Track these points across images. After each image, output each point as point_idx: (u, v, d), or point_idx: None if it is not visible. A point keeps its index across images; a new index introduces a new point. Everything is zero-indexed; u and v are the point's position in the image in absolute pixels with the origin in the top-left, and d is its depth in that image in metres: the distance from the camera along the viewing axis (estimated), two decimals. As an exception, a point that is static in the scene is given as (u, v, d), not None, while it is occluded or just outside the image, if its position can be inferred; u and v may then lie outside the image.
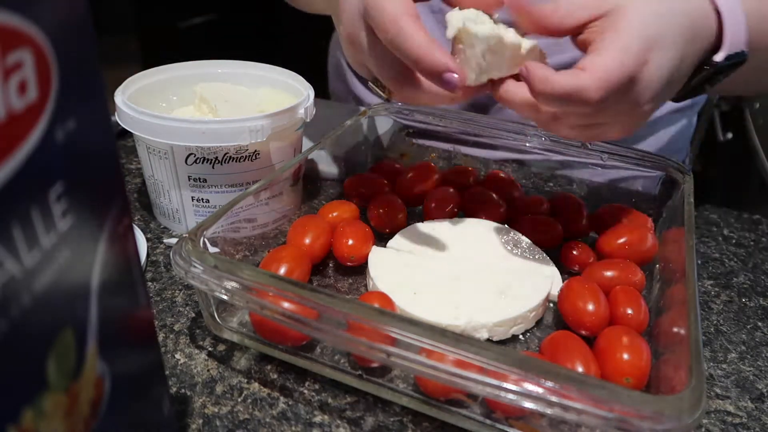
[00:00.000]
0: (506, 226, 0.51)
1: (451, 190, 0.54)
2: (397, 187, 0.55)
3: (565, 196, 0.54)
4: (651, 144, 0.69)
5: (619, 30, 0.37)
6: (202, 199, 0.50)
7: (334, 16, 0.48)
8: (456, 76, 0.36)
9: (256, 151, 0.49)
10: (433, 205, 0.52)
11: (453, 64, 0.36)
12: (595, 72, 0.36)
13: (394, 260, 0.45)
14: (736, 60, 0.41)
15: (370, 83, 0.42)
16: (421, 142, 0.64)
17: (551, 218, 0.51)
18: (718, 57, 0.41)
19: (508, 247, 0.48)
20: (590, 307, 0.40)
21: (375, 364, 0.37)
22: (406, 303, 0.41)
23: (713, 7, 0.41)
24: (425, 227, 0.50)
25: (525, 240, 0.49)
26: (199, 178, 0.48)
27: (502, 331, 0.41)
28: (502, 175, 0.58)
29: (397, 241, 0.48)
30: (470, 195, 0.54)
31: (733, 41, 0.41)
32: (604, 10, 0.39)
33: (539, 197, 0.55)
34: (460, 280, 0.43)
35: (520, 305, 0.41)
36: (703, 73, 0.42)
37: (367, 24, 0.38)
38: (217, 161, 0.48)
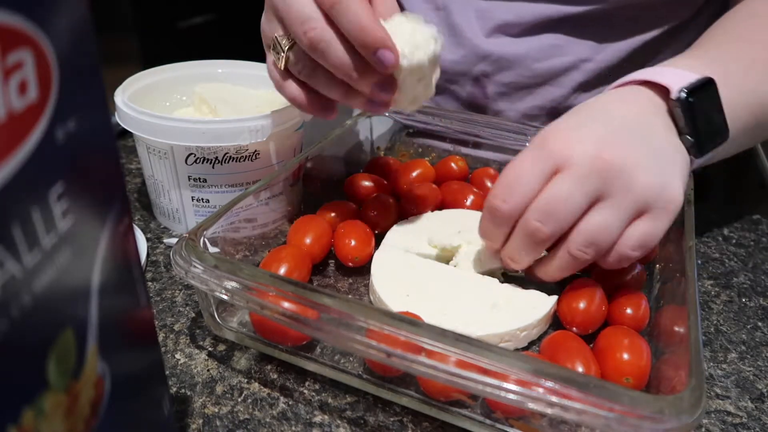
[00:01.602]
0: None
1: (433, 185, 0.54)
2: (390, 186, 0.55)
3: None
4: None
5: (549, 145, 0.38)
6: (202, 199, 0.50)
7: None
8: (392, 55, 0.36)
9: (256, 151, 0.49)
10: (409, 201, 0.52)
11: (392, 43, 0.37)
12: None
13: (399, 261, 0.45)
14: (696, 85, 0.40)
15: (275, 37, 0.40)
16: (421, 141, 0.64)
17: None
18: (674, 94, 0.40)
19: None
20: (581, 304, 0.40)
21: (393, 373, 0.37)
22: (395, 303, 0.41)
23: (634, 82, 0.42)
24: (431, 221, 0.50)
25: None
26: (199, 178, 0.48)
27: None
28: (492, 171, 0.58)
29: (396, 237, 0.48)
30: (451, 190, 0.54)
31: (676, 80, 0.40)
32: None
33: None
34: (458, 287, 0.42)
35: (509, 322, 0.40)
36: (681, 116, 0.40)
37: None
38: (217, 161, 0.48)
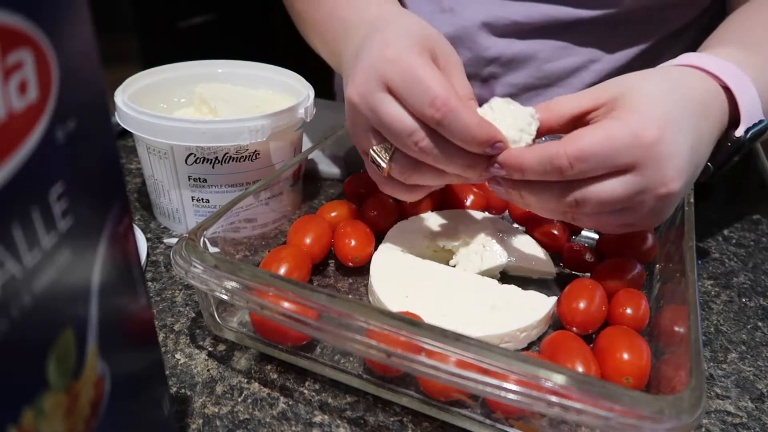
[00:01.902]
0: (520, 227, 0.51)
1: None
2: None
3: None
4: None
5: (626, 107, 0.36)
6: (202, 199, 0.50)
7: (342, 73, 0.47)
8: (503, 144, 0.38)
9: (256, 151, 0.49)
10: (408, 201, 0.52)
11: (501, 134, 0.38)
12: (570, 140, 0.35)
13: (398, 262, 0.45)
14: (757, 131, 0.41)
15: (372, 150, 0.41)
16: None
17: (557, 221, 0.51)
18: (739, 131, 0.41)
19: (517, 254, 0.47)
20: (581, 305, 0.40)
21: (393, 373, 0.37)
22: (394, 304, 0.41)
23: (720, 84, 0.40)
24: (431, 221, 0.50)
25: (540, 250, 0.48)
26: (199, 178, 0.48)
27: None
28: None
29: (396, 237, 0.48)
30: (451, 190, 0.54)
31: (750, 113, 0.41)
32: (608, 95, 0.38)
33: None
34: (458, 288, 0.42)
35: (508, 323, 0.40)
36: (727, 150, 0.41)
37: (388, 93, 0.38)
38: (217, 161, 0.48)
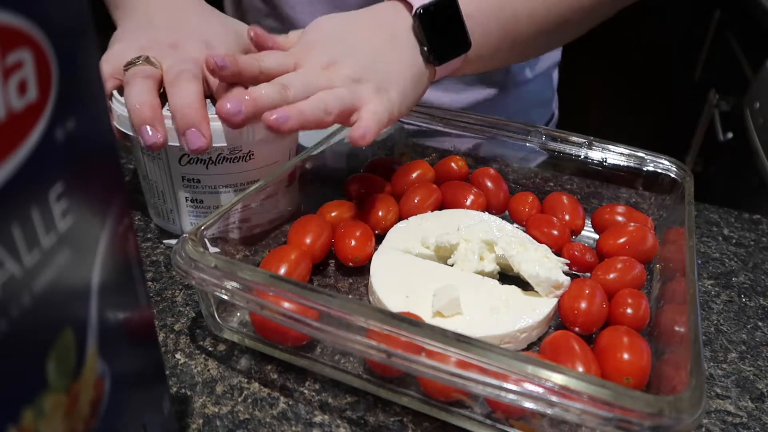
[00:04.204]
0: (520, 227, 0.51)
1: (433, 185, 0.54)
2: (392, 186, 0.55)
3: (558, 194, 0.54)
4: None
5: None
6: (196, 199, 0.49)
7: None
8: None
9: (250, 151, 0.49)
10: (409, 201, 0.52)
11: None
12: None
13: (398, 262, 0.45)
14: (436, 2, 0.47)
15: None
16: (421, 141, 0.64)
17: (558, 219, 0.51)
18: (413, 11, 0.47)
19: (523, 256, 0.47)
20: (583, 304, 0.40)
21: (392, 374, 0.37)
22: (395, 305, 0.41)
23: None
24: (431, 221, 0.50)
25: (542, 247, 0.47)
26: (193, 179, 0.48)
27: None
28: (492, 171, 0.58)
29: (397, 239, 0.48)
30: (451, 190, 0.54)
31: None
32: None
33: (527, 193, 0.55)
34: (458, 289, 0.42)
35: (508, 324, 0.40)
36: (417, 29, 0.48)
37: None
38: (210, 162, 0.48)
